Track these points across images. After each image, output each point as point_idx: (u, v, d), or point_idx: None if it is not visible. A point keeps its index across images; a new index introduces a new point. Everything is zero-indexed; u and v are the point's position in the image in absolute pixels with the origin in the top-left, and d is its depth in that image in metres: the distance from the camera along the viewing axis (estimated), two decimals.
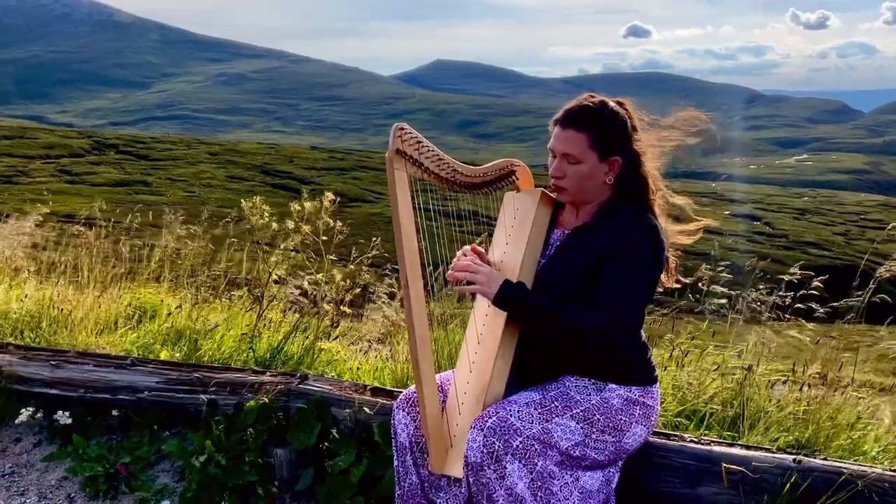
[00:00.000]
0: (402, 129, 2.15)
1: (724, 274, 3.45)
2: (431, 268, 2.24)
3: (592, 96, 2.30)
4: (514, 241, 2.37)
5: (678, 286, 2.45)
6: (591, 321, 2.12)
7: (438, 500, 2.27)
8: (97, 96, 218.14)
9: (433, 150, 2.22)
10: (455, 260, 2.33)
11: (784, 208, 46.70)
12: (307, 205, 3.58)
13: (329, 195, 3.58)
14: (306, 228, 3.53)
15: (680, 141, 2.36)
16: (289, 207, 3.61)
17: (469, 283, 2.19)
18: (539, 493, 2.08)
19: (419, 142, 2.18)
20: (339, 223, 3.60)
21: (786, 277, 3.26)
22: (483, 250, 2.39)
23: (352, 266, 3.78)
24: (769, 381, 3.05)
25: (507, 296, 2.15)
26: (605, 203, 2.30)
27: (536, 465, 2.09)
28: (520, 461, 2.08)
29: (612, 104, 2.28)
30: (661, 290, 2.42)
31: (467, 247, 2.37)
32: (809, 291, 3.23)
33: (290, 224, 3.62)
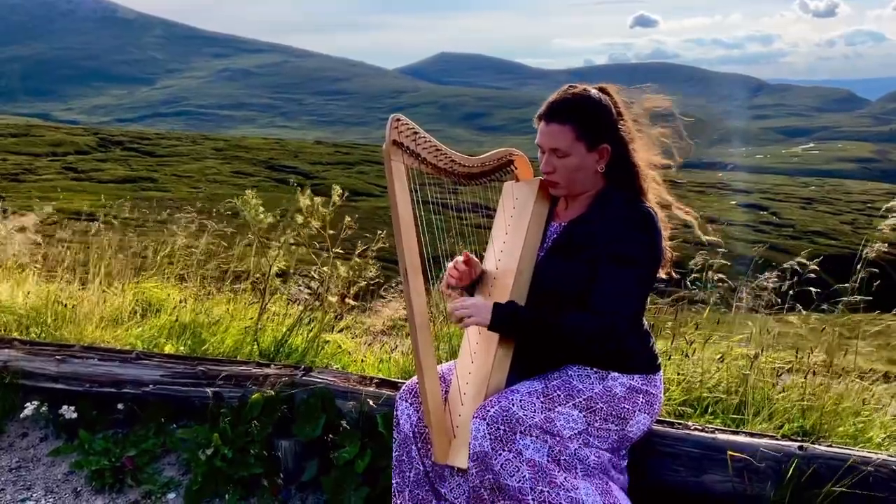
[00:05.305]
0: (399, 119, 2.14)
1: (730, 264, 3.43)
2: (431, 260, 2.23)
3: (573, 86, 2.27)
4: (513, 231, 2.36)
5: (669, 278, 2.42)
6: (589, 324, 2.10)
7: (443, 491, 2.27)
8: (102, 93, 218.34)
9: (430, 141, 2.21)
10: (446, 274, 2.31)
11: (791, 198, 46.39)
12: (317, 200, 3.53)
13: (337, 189, 3.54)
14: (315, 224, 3.50)
15: (674, 140, 2.33)
16: (294, 202, 3.57)
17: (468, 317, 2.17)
18: (561, 458, 2.09)
19: (416, 132, 2.17)
20: (346, 218, 3.57)
21: (785, 265, 3.24)
22: (475, 258, 2.36)
23: (356, 259, 3.76)
24: (774, 368, 3.04)
25: (502, 318, 2.14)
26: (598, 193, 2.28)
27: (547, 442, 2.10)
28: (530, 437, 2.09)
29: (593, 92, 2.25)
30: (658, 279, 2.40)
31: (459, 257, 2.35)
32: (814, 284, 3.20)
33: (299, 219, 3.58)
